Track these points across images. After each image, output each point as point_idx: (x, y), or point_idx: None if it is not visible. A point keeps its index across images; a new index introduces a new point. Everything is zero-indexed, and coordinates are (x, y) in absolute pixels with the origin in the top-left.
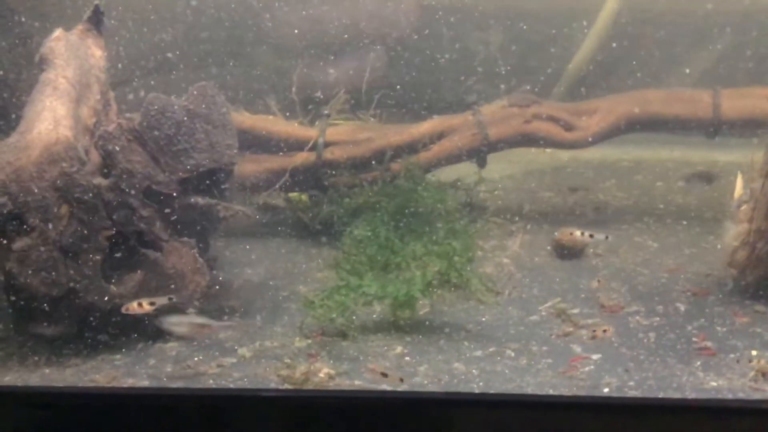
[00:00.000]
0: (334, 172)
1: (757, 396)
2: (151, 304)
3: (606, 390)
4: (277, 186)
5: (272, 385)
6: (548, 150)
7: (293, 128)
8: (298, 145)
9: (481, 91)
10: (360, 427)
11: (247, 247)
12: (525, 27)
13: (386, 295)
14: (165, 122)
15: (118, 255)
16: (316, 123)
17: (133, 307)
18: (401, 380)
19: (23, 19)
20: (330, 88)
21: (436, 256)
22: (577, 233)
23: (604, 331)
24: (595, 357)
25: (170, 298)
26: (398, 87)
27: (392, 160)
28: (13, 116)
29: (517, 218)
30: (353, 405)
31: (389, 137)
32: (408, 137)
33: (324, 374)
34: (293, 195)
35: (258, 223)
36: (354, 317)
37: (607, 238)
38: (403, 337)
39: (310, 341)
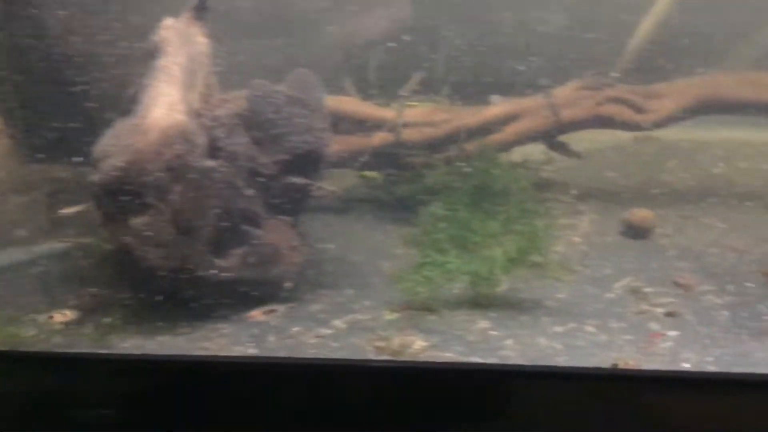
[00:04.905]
0: (410, 152)
1: None
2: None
3: (686, 365)
4: (356, 165)
5: (369, 356)
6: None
7: (371, 109)
8: (375, 126)
9: (547, 72)
10: (449, 395)
11: (327, 222)
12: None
13: (469, 271)
14: (267, 107)
15: (223, 231)
16: (392, 104)
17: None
18: None
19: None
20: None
21: (517, 235)
22: None
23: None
24: (672, 334)
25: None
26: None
27: (467, 141)
28: None
29: (584, 197)
30: (443, 375)
31: (464, 119)
32: (482, 119)
33: (418, 346)
34: (368, 173)
35: (335, 200)
36: (438, 292)
37: None
38: (485, 312)
39: (399, 315)
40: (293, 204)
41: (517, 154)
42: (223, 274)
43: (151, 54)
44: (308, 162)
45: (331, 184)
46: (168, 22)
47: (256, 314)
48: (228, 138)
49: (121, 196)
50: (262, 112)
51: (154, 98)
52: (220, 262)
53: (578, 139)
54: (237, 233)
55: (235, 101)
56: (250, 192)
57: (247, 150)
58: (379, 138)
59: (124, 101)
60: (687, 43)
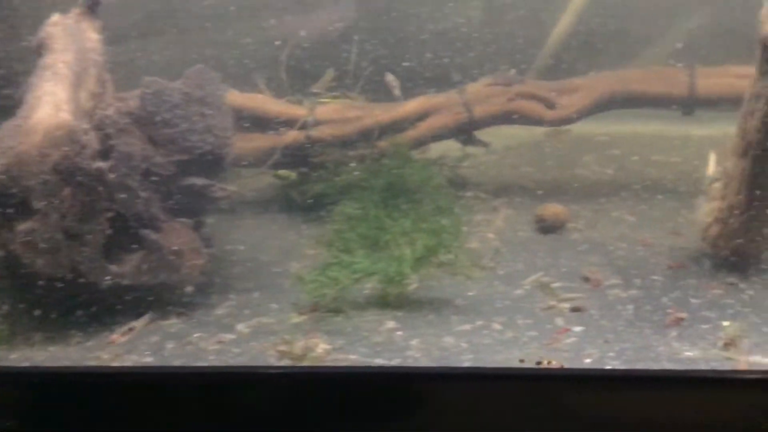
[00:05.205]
0: (322, 150)
1: (726, 364)
2: None
3: (588, 361)
4: (268, 164)
5: (271, 361)
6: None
7: (282, 107)
8: (287, 124)
9: (464, 68)
10: (354, 400)
11: (238, 223)
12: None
13: (377, 271)
14: (162, 105)
15: (118, 236)
16: (305, 101)
17: None
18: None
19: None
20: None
21: (426, 233)
22: None
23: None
24: (577, 329)
25: None
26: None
27: (380, 138)
28: None
29: (499, 193)
30: (350, 379)
31: (377, 116)
32: (395, 115)
33: (321, 349)
34: (282, 172)
35: (247, 200)
36: (347, 293)
37: None
38: (394, 312)
39: (305, 317)
40: (195, 205)
41: (434, 151)
42: (118, 281)
43: (37, 52)
44: (209, 162)
45: (237, 185)
46: (55, 18)
47: (116, 337)
48: (120, 138)
49: (5, 201)
50: (157, 111)
51: (38, 98)
52: (114, 268)
53: (495, 136)
54: (132, 237)
55: (129, 100)
56: (145, 194)
57: (141, 150)
58: (291, 136)
59: (13, 101)
60: (602, 39)
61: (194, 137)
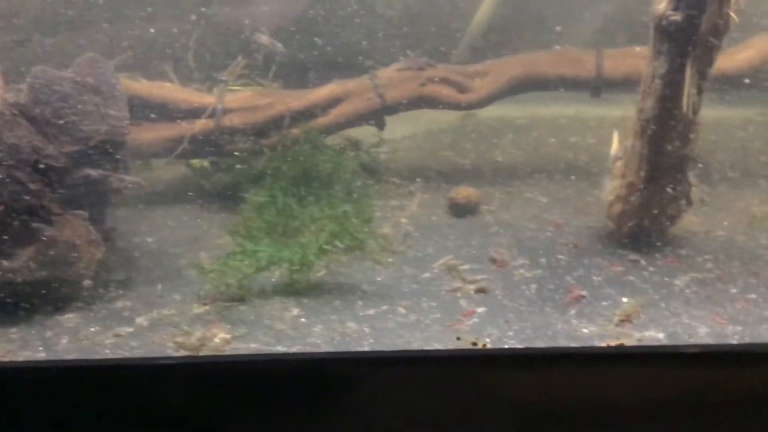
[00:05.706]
0: (234, 139)
1: (622, 339)
2: None
3: (487, 340)
4: (175, 153)
5: (168, 352)
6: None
7: (191, 95)
8: (196, 113)
9: (379, 54)
10: (258, 389)
11: (148, 215)
12: None
13: (282, 259)
14: (52, 95)
15: (8, 230)
16: (214, 89)
17: None
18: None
19: None
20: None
21: (330, 219)
22: None
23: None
24: (479, 310)
25: None
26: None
27: (292, 126)
28: None
29: (415, 178)
30: (250, 368)
31: (288, 103)
32: (306, 102)
33: (220, 339)
34: (194, 162)
35: (159, 191)
36: (252, 282)
37: None
38: (299, 299)
39: (208, 307)
40: (92, 197)
41: (354, 136)
42: (9, 276)
43: None
44: (104, 152)
45: (147, 176)
46: None
47: None
48: (6, 130)
49: None
50: (46, 101)
51: None
52: (4, 263)
53: (415, 121)
54: (24, 231)
55: (16, 91)
56: (36, 186)
57: (29, 142)
58: (199, 125)
59: None
60: (522, 25)
61: (87, 127)
